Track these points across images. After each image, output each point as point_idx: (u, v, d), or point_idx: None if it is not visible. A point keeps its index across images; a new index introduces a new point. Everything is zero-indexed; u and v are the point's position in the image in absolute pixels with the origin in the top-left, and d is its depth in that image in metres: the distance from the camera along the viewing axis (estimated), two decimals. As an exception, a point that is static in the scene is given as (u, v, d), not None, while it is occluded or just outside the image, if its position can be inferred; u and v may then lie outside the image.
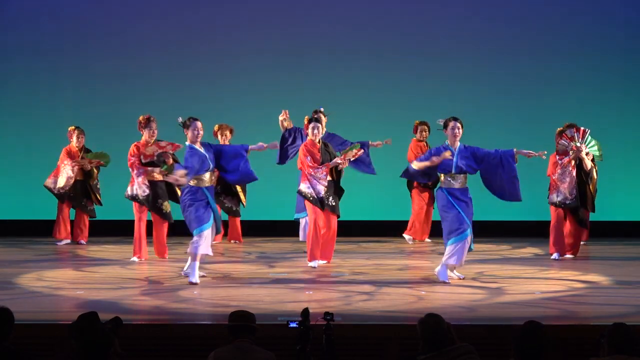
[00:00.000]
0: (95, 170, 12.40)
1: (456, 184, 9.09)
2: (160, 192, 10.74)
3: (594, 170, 11.01)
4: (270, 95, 13.55)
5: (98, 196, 12.41)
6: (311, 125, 10.26)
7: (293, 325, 5.44)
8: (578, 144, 10.63)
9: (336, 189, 10.29)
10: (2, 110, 13.87)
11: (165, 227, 10.79)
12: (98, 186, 12.46)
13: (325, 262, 10.25)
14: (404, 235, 12.60)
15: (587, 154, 10.73)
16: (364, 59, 13.81)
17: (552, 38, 13.85)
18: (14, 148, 13.76)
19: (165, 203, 10.76)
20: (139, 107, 12.46)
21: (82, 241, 12.35)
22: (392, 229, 13.16)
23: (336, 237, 10.35)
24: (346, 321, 6.68)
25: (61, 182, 12.20)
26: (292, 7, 13.96)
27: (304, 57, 13.85)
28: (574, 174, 10.76)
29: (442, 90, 13.65)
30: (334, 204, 10.19)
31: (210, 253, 9.21)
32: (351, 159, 10.36)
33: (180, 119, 9.28)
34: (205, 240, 9.04)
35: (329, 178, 10.16)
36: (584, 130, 10.69)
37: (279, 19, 13.89)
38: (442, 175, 9.16)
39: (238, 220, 12.61)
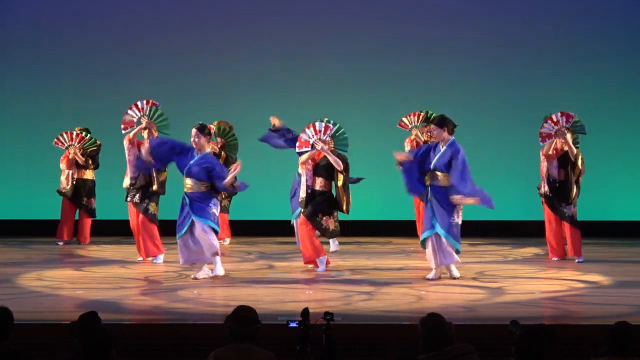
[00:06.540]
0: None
1: (436, 182, 9.08)
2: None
3: (580, 157, 10.44)
4: (269, 92, 13.60)
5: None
6: None
7: (293, 325, 5.43)
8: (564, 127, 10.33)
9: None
10: (2, 110, 13.87)
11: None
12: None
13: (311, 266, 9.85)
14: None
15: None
16: (366, 58, 13.82)
17: (554, 38, 13.87)
18: (14, 148, 13.75)
19: (152, 204, 10.56)
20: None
21: (84, 242, 12.38)
22: (392, 229, 13.14)
23: (308, 239, 9.72)
24: (346, 321, 6.67)
25: (63, 181, 12.30)
26: (293, 4, 14.01)
27: (304, 55, 13.86)
28: (555, 163, 10.47)
29: (444, 88, 13.66)
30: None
31: (181, 262, 9.17)
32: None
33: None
34: (181, 249, 9.06)
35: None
36: (569, 114, 10.39)
37: (283, 14, 13.91)
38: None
39: (226, 217, 12.39)
